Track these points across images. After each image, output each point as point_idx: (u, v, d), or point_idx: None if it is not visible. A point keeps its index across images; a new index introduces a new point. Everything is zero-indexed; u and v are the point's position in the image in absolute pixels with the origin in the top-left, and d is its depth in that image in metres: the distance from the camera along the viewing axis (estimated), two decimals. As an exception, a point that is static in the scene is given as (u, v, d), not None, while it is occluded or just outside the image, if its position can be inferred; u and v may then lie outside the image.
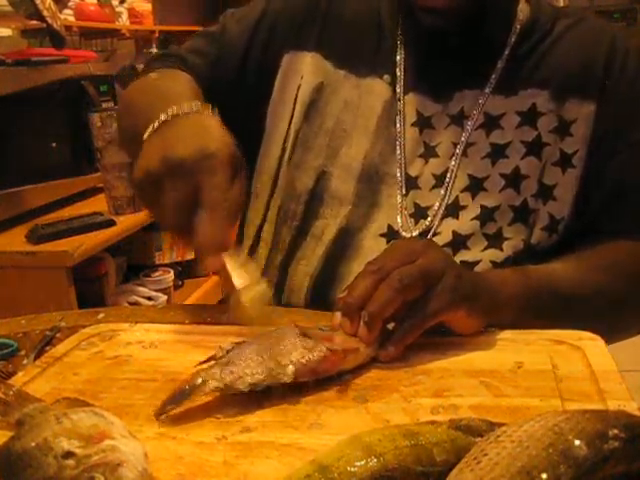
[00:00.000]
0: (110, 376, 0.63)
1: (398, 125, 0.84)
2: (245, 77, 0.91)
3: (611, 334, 0.75)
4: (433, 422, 0.46)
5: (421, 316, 0.62)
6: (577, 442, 0.39)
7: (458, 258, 0.78)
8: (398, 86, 0.85)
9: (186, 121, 0.66)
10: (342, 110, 0.86)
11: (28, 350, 0.72)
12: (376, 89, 0.86)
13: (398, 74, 0.85)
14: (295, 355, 0.57)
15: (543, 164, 0.80)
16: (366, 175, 0.83)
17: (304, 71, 0.88)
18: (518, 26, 0.85)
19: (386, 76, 0.86)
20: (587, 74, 0.82)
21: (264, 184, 0.90)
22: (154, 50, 3.41)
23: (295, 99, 0.88)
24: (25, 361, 0.70)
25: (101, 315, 0.80)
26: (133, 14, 3.19)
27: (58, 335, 0.75)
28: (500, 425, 0.44)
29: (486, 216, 0.79)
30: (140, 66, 2.94)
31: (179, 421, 0.54)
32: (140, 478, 0.43)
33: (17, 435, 0.47)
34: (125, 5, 3.17)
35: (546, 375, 0.58)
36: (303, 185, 0.85)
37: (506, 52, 0.84)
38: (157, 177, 0.62)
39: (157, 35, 3.40)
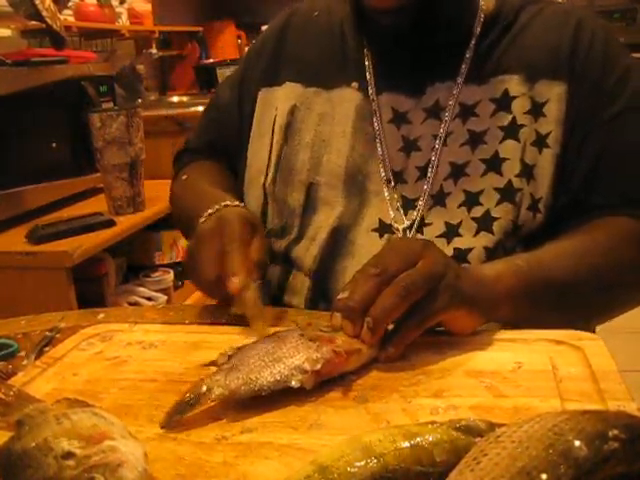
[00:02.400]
0: (110, 377, 0.63)
1: (375, 124, 0.86)
2: (244, 131, 0.97)
3: (604, 314, 0.79)
4: (433, 422, 0.46)
5: (421, 316, 0.62)
6: (577, 443, 0.39)
7: (451, 246, 0.80)
8: (370, 88, 0.88)
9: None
10: (318, 123, 0.89)
11: (28, 351, 0.72)
12: (346, 96, 0.89)
13: (368, 77, 0.88)
14: (298, 358, 0.57)
15: (523, 144, 0.81)
16: (351, 176, 0.86)
17: (278, 102, 0.93)
18: (482, 16, 0.86)
19: (354, 83, 0.89)
20: (555, 56, 0.82)
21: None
22: (154, 50, 3.42)
23: (272, 128, 0.93)
24: (25, 362, 0.70)
25: (101, 315, 0.81)
26: (133, 14, 3.18)
27: (58, 335, 0.75)
28: (500, 425, 0.44)
29: (472, 200, 0.81)
30: (140, 67, 2.95)
31: (179, 422, 0.54)
32: (140, 478, 0.43)
33: (17, 435, 0.47)
34: (125, 5, 3.16)
35: (546, 375, 0.58)
36: (295, 200, 0.89)
37: (472, 42, 0.85)
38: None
39: (157, 35, 3.40)
